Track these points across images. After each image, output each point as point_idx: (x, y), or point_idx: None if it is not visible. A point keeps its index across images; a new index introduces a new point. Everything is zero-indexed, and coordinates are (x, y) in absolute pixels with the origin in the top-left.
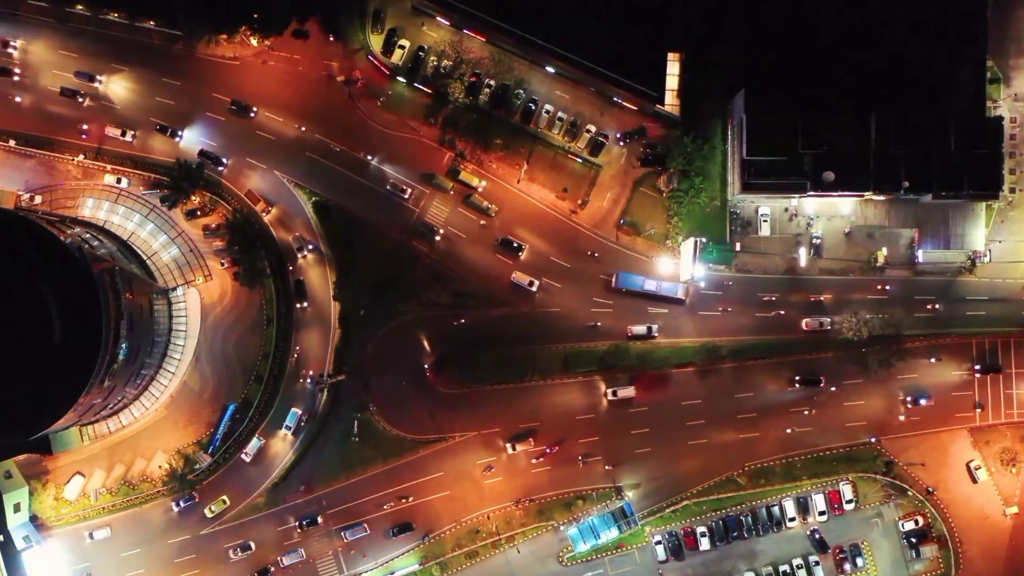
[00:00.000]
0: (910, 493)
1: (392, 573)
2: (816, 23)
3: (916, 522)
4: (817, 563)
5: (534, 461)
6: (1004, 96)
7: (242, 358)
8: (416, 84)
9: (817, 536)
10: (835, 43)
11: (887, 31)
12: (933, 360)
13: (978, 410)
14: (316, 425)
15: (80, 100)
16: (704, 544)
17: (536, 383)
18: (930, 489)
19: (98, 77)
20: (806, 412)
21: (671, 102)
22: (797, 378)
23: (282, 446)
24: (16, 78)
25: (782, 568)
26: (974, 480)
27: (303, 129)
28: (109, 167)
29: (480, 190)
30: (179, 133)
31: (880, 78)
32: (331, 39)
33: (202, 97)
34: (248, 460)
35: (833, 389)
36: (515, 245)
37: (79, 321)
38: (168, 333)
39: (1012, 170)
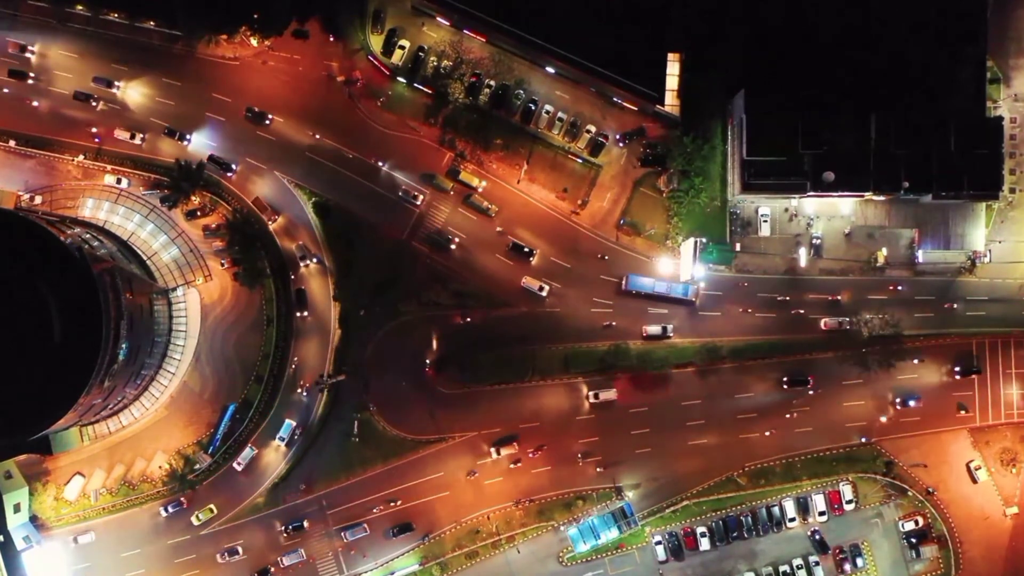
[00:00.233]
0: (910, 493)
1: (392, 573)
2: (816, 23)
3: (916, 522)
4: (817, 563)
5: (511, 467)
6: (1004, 96)
7: (242, 358)
8: (416, 84)
9: (817, 536)
10: (835, 43)
11: (887, 31)
12: (916, 361)
13: (962, 412)
14: (316, 426)
15: (94, 104)
16: (704, 544)
17: (536, 383)
18: (930, 489)
19: (116, 83)
20: (788, 416)
21: (671, 102)
22: (784, 379)
23: (274, 456)
24: (31, 81)
25: (782, 568)
26: (974, 480)
27: (314, 135)
28: (109, 167)
29: (480, 190)
30: (187, 137)
31: (880, 78)
32: (331, 39)
33: (204, 98)
34: (240, 469)
35: (820, 390)
36: (526, 250)
37: (79, 321)
38: (168, 333)
39: (1012, 170)
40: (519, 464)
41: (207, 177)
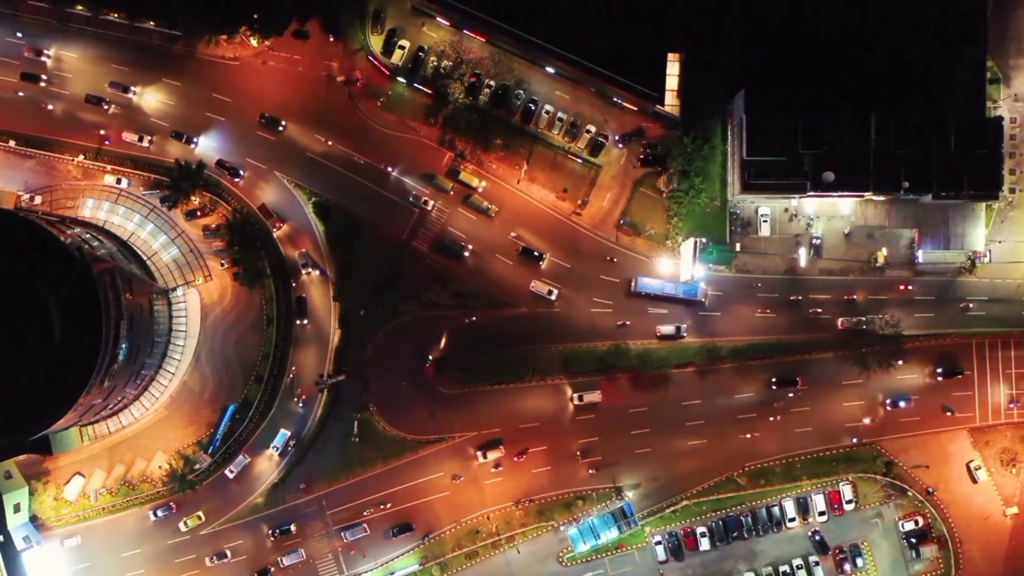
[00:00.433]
0: (910, 493)
1: (392, 573)
2: (816, 23)
3: (916, 522)
4: (817, 563)
5: (492, 471)
6: (1004, 96)
7: (242, 358)
8: (416, 84)
9: (817, 536)
10: (835, 43)
11: (887, 31)
12: (901, 363)
13: (948, 413)
14: (314, 430)
15: (105, 107)
16: (704, 544)
17: (536, 383)
18: (930, 489)
19: (132, 88)
20: (771, 419)
21: (671, 102)
22: (774, 380)
23: (267, 466)
24: (43, 84)
25: (782, 568)
26: (974, 480)
27: (326, 141)
28: (109, 167)
29: (480, 190)
30: (194, 140)
31: (880, 78)
32: (331, 39)
33: (204, 98)
34: (231, 477)
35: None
36: (536, 254)
37: (79, 321)
38: (168, 333)
39: (1012, 170)
40: (499, 468)
41: (207, 177)
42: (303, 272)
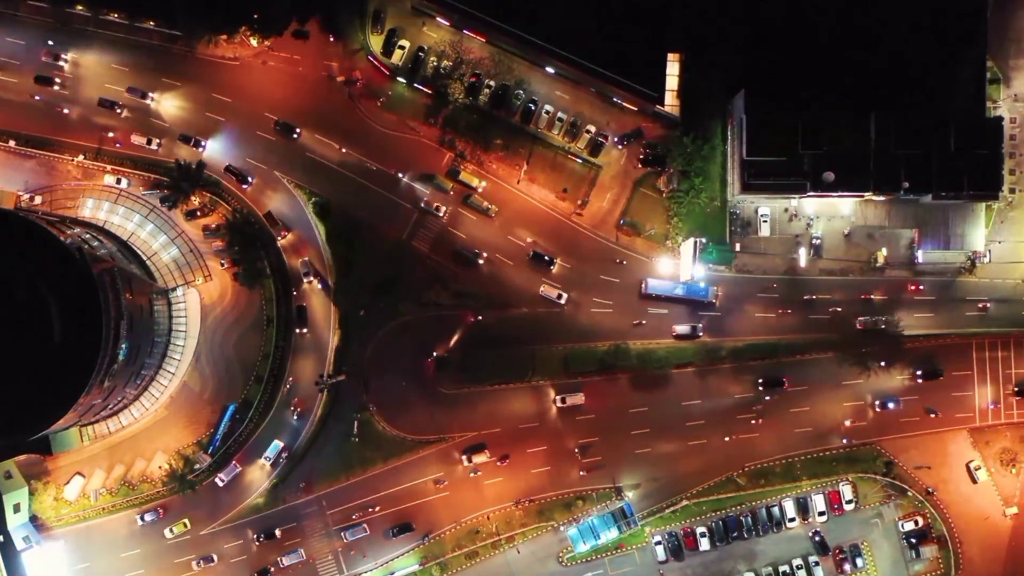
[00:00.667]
0: (910, 493)
1: (392, 573)
2: (816, 23)
3: (916, 522)
4: (817, 563)
5: (472, 476)
6: (1004, 96)
7: (242, 358)
8: (416, 84)
9: (817, 537)
10: (835, 43)
11: (887, 31)
12: (883, 364)
13: (931, 415)
14: (316, 426)
15: (118, 111)
16: (704, 544)
17: (537, 383)
18: (930, 489)
19: (150, 94)
20: (753, 421)
21: (671, 102)
22: (760, 380)
23: (259, 475)
24: (56, 87)
25: (782, 568)
26: (974, 480)
27: (340, 148)
28: (109, 168)
29: (480, 191)
30: (203, 144)
31: (880, 78)
32: (331, 39)
33: (204, 98)
34: (222, 485)
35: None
36: (546, 259)
37: (79, 321)
38: (168, 333)
39: (1012, 170)
40: (479, 474)
41: (206, 177)
42: (305, 281)
